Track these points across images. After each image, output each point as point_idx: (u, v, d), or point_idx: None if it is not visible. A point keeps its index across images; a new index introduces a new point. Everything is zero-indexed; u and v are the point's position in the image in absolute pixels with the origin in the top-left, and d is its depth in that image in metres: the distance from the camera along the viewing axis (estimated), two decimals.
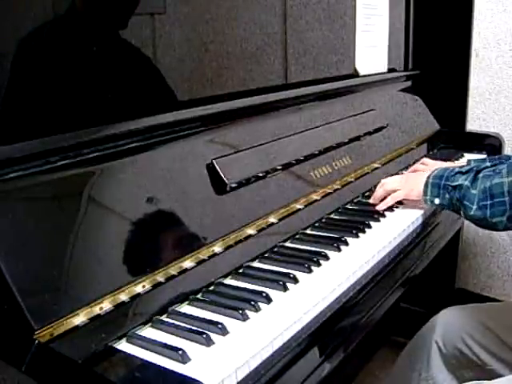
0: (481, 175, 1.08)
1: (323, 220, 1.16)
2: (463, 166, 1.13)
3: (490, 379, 1.16)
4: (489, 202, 1.03)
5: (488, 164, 1.13)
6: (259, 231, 1.00)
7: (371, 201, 1.24)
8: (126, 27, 0.90)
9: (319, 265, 0.95)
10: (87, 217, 0.77)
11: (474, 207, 1.05)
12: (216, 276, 0.89)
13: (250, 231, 0.98)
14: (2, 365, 0.64)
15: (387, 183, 1.24)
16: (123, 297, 0.75)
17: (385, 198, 1.23)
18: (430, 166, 1.37)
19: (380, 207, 1.21)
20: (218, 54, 1.09)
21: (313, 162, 1.21)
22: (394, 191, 1.21)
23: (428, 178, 1.14)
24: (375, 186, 1.38)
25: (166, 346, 0.70)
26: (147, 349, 0.70)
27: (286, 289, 0.86)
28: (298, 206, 1.11)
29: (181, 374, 0.64)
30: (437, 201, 1.12)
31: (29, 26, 0.78)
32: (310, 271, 0.92)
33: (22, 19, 0.77)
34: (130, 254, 0.80)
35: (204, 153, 0.99)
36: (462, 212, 1.09)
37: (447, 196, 1.10)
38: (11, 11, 0.76)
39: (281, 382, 0.70)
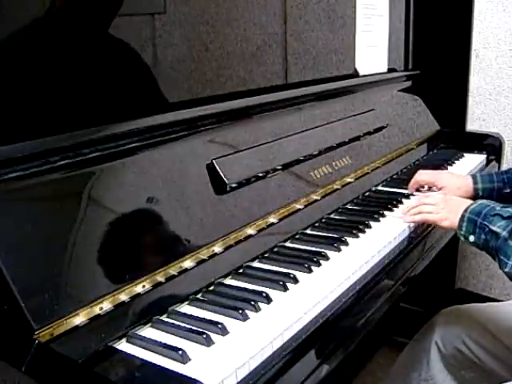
0: None
1: (323, 220, 1.16)
2: (505, 206, 1.03)
3: (490, 380, 1.16)
4: None
5: None
6: (259, 231, 1.00)
7: (404, 210, 1.18)
8: (119, 26, 0.90)
9: (319, 265, 0.95)
10: (87, 217, 0.77)
11: (510, 263, 0.95)
12: (216, 276, 0.89)
13: (250, 231, 0.98)
14: (3, 365, 0.64)
15: (426, 205, 1.15)
16: (123, 297, 0.75)
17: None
18: (431, 176, 1.33)
19: (406, 220, 1.15)
20: (218, 54, 1.09)
21: (313, 162, 1.21)
22: (429, 212, 1.14)
23: (465, 211, 1.05)
24: (375, 186, 1.38)
25: (166, 346, 0.70)
26: (147, 349, 0.70)
27: (286, 289, 0.86)
28: (298, 206, 1.11)
29: (181, 374, 0.64)
30: (471, 238, 1.03)
31: (28, 25, 0.78)
32: (310, 271, 0.92)
33: (20, 18, 0.77)
34: (130, 253, 0.80)
35: (204, 153, 0.99)
36: (497, 263, 1.00)
37: (483, 237, 1.01)
38: (10, 11, 0.76)
39: (281, 381, 0.70)
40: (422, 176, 1.35)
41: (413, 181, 1.36)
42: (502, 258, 0.97)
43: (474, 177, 1.34)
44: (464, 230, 1.04)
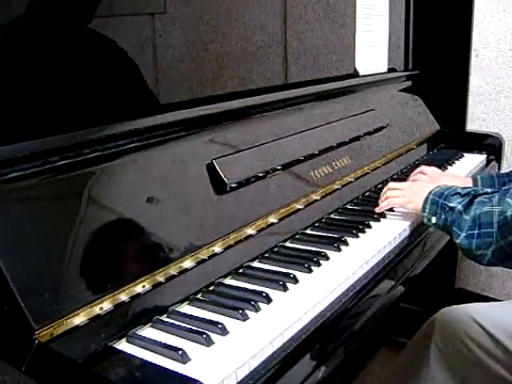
0: (477, 200, 1.00)
1: (323, 220, 1.16)
2: (465, 188, 1.07)
3: (490, 380, 1.16)
4: (476, 232, 0.97)
5: (489, 190, 1.05)
6: (259, 231, 1.00)
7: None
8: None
9: (319, 265, 0.95)
10: (87, 217, 0.77)
11: (462, 235, 0.99)
12: (216, 276, 0.89)
13: (250, 231, 0.98)
14: (2, 365, 0.64)
15: (391, 189, 1.20)
16: (123, 297, 0.75)
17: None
18: (429, 174, 1.33)
19: (376, 209, 1.19)
20: (218, 54, 1.09)
21: (313, 162, 1.21)
22: (394, 196, 1.18)
23: (429, 193, 1.08)
24: (375, 186, 1.38)
25: (166, 346, 0.70)
26: (147, 349, 0.70)
27: (286, 289, 0.86)
28: (298, 206, 1.11)
29: (181, 374, 0.64)
30: (434, 220, 1.06)
31: (28, 25, 0.78)
32: (310, 271, 0.92)
33: (19, 18, 0.77)
34: (130, 253, 0.80)
35: (204, 153, 0.99)
36: (452, 237, 1.04)
37: (443, 217, 1.04)
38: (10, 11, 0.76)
39: (281, 382, 0.70)
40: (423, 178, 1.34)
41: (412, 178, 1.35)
42: (455, 229, 1.01)
43: (474, 179, 1.34)
44: (427, 212, 1.08)
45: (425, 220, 1.09)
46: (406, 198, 1.16)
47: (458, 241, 1.00)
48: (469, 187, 1.07)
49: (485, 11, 1.86)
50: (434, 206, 1.06)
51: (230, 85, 1.12)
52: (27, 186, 0.74)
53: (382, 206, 1.19)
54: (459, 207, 1.01)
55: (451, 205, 1.03)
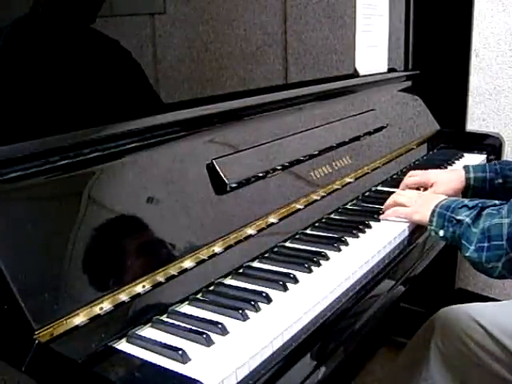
0: (485, 212, 0.99)
1: (323, 220, 1.16)
2: (473, 200, 1.05)
3: (490, 380, 1.16)
4: (486, 245, 0.95)
5: (497, 202, 1.03)
6: (259, 231, 1.00)
7: (384, 207, 1.20)
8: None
9: (319, 265, 0.95)
10: (87, 217, 0.77)
11: (472, 248, 0.97)
12: (216, 276, 0.89)
13: (250, 231, 0.98)
14: (2, 365, 0.64)
15: (400, 196, 1.19)
16: (123, 297, 0.75)
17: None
18: (421, 176, 1.33)
19: (381, 217, 1.17)
20: (218, 54, 1.09)
21: (313, 162, 1.21)
22: (402, 205, 1.16)
23: (436, 206, 1.06)
24: (375, 186, 1.38)
25: (166, 345, 0.70)
26: (147, 349, 0.70)
27: (286, 289, 0.86)
28: (298, 206, 1.11)
29: (181, 374, 0.64)
30: (441, 233, 1.04)
31: (28, 24, 0.78)
32: (310, 271, 0.92)
33: (19, 18, 0.77)
34: (130, 253, 0.80)
35: (204, 153, 0.99)
36: (461, 251, 1.02)
37: (451, 230, 1.02)
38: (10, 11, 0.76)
39: (281, 382, 0.70)
40: (412, 180, 1.33)
41: (402, 185, 1.33)
42: (464, 242, 0.99)
43: (466, 167, 1.34)
44: (434, 225, 1.06)
45: (432, 233, 1.07)
46: (413, 208, 1.13)
47: (467, 254, 0.99)
48: (476, 199, 1.05)
49: (485, 11, 1.86)
50: (441, 219, 1.04)
51: (230, 85, 1.12)
52: (27, 186, 0.74)
53: (388, 214, 1.17)
54: (467, 220, 0.99)
55: (459, 217, 1.01)
